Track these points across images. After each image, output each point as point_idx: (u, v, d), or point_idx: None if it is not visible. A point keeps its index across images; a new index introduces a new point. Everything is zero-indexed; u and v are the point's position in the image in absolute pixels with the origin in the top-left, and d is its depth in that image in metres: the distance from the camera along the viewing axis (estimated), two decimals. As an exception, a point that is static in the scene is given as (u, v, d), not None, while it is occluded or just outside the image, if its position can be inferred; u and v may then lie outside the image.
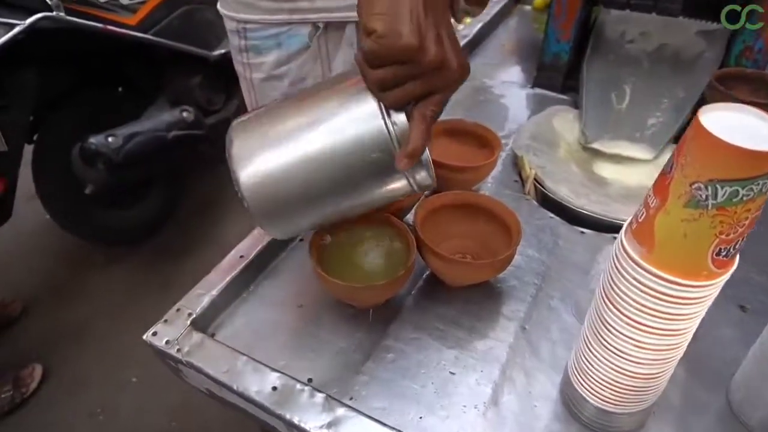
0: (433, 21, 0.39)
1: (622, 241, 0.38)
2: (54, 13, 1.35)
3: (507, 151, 0.83)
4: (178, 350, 0.53)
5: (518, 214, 0.60)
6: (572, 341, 0.56)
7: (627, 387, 0.43)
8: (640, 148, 0.80)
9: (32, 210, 1.79)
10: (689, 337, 0.40)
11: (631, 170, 0.79)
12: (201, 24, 1.80)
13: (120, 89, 1.86)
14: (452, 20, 0.47)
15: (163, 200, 1.96)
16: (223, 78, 1.88)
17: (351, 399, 0.51)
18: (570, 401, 0.50)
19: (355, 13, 0.68)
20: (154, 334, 0.55)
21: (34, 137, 1.61)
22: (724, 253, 0.34)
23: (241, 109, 0.79)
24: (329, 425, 0.47)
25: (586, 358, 0.45)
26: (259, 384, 0.50)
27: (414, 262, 0.56)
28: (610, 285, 0.40)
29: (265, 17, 0.67)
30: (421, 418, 0.50)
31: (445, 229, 0.63)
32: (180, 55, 1.74)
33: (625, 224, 0.39)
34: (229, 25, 0.72)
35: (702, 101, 0.82)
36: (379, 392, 0.52)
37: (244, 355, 0.53)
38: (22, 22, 1.29)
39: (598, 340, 0.43)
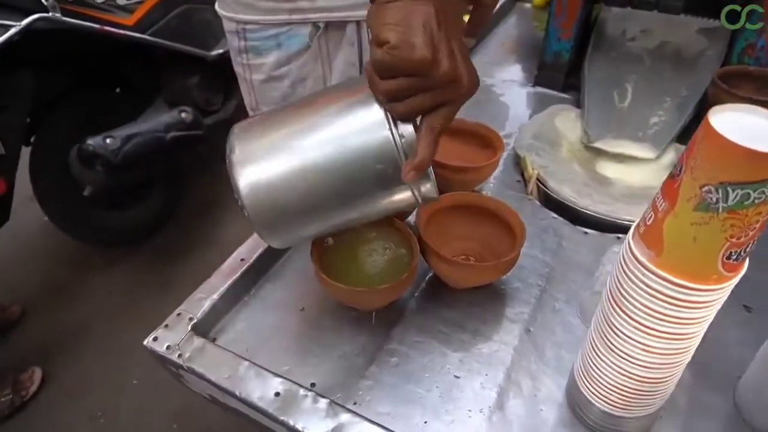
0: (446, 34, 0.38)
1: (629, 245, 0.37)
2: (50, 13, 1.34)
3: (509, 151, 0.83)
4: (179, 356, 0.53)
5: (521, 215, 0.60)
6: (577, 343, 0.55)
7: (634, 391, 0.43)
8: (642, 147, 0.79)
9: (30, 212, 1.78)
10: (698, 340, 0.40)
11: (634, 169, 0.79)
12: (199, 24, 1.79)
13: (117, 90, 1.85)
14: None
15: (162, 201, 1.95)
16: (221, 78, 1.87)
17: (355, 404, 0.50)
18: (576, 405, 0.49)
19: (355, 12, 0.68)
20: (155, 339, 0.55)
21: (32, 139, 1.60)
22: (734, 257, 0.33)
23: (240, 109, 0.79)
24: (333, 431, 0.46)
25: (592, 362, 0.45)
26: (261, 390, 0.50)
27: (417, 265, 0.55)
28: (618, 288, 0.39)
29: (264, 18, 0.66)
30: (426, 423, 0.49)
31: (448, 230, 0.63)
32: (178, 55, 1.73)
33: (633, 227, 0.38)
34: (228, 26, 0.71)
35: (704, 100, 0.82)
36: (383, 397, 0.51)
37: (246, 360, 0.52)
38: (18, 23, 1.28)
39: (605, 343, 0.42)
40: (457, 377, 0.53)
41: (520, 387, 0.52)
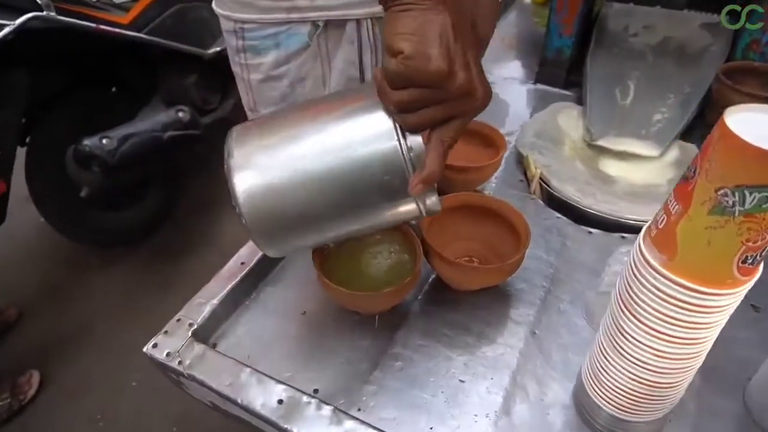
0: (462, 45, 0.37)
1: (640, 248, 0.37)
2: (44, 12, 1.32)
3: (510, 150, 0.82)
4: (180, 363, 0.52)
5: (524, 214, 0.59)
6: (583, 345, 0.54)
7: (645, 395, 0.42)
8: (646, 145, 0.78)
9: (27, 213, 1.76)
10: (710, 345, 0.39)
11: (637, 167, 0.78)
12: (195, 22, 1.77)
13: (113, 89, 1.83)
14: None
15: (159, 201, 1.94)
16: (218, 76, 1.86)
17: (359, 410, 0.50)
18: (584, 409, 0.48)
19: (355, 11, 0.67)
20: (155, 346, 0.54)
21: (27, 139, 1.59)
22: (750, 261, 0.32)
23: (238, 108, 0.77)
24: (338, 438, 0.46)
25: (601, 366, 0.44)
26: (264, 397, 0.49)
27: (421, 269, 0.54)
28: (628, 292, 0.38)
29: (262, 16, 0.65)
30: (431, 429, 0.48)
31: (451, 231, 0.62)
32: (174, 53, 1.71)
33: (643, 230, 0.38)
34: (225, 25, 0.70)
35: (708, 96, 0.81)
36: (387, 402, 0.50)
37: (247, 366, 0.51)
38: (12, 22, 1.26)
39: (615, 348, 0.41)
40: (463, 381, 0.52)
41: (526, 391, 0.51)
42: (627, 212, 0.69)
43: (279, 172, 0.43)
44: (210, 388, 0.50)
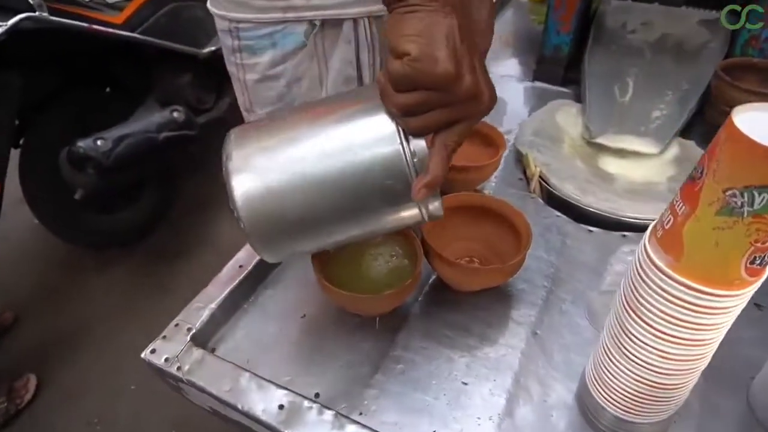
0: (468, 48, 0.36)
1: (646, 249, 0.36)
2: (37, 13, 1.31)
3: (509, 148, 0.81)
4: (179, 368, 0.51)
5: (524, 213, 0.58)
6: (586, 346, 0.54)
7: (649, 397, 0.42)
8: (645, 143, 0.78)
9: (21, 215, 1.75)
10: (716, 346, 0.39)
11: (636, 165, 0.78)
12: (190, 21, 1.75)
13: (107, 89, 1.81)
14: None
15: (155, 202, 1.92)
16: (213, 76, 1.84)
17: (361, 414, 0.49)
18: (587, 410, 0.48)
19: (351, 9, 0.66)
20: (153, 351, 0.53)
21: (21, 141, 1.57)
22: (758, 261, 0.32)
23: (234, 108, 0.76)
24: (340, 444, 0.45)
25: (605, 367, 0.43)
26: (264, 402, 0.48)
27: (421, 271, 0.54)
28: (633, 294, 0.38)
29: (258, 16, 0.64)
30: (434, 432, 0.48)
31: (452, 231, 0.61)
32: (168, 53, 1.70)
33: (648, 231, 0.37)
34: (221, 25, 0.69)
35: (707, 93, 0.80)
36: (389, 406, 0.50)
37: (247, 371, 0.51)
38: (4, 23, 1.25)
39: (619, 349, 0.41)
40: (465, 384, 0.51)
41: (529, 392, 0.51)
42: (627, 210, 0.68)
43: (278, 175, 0.42)
44: (209, 394, 0.50)
